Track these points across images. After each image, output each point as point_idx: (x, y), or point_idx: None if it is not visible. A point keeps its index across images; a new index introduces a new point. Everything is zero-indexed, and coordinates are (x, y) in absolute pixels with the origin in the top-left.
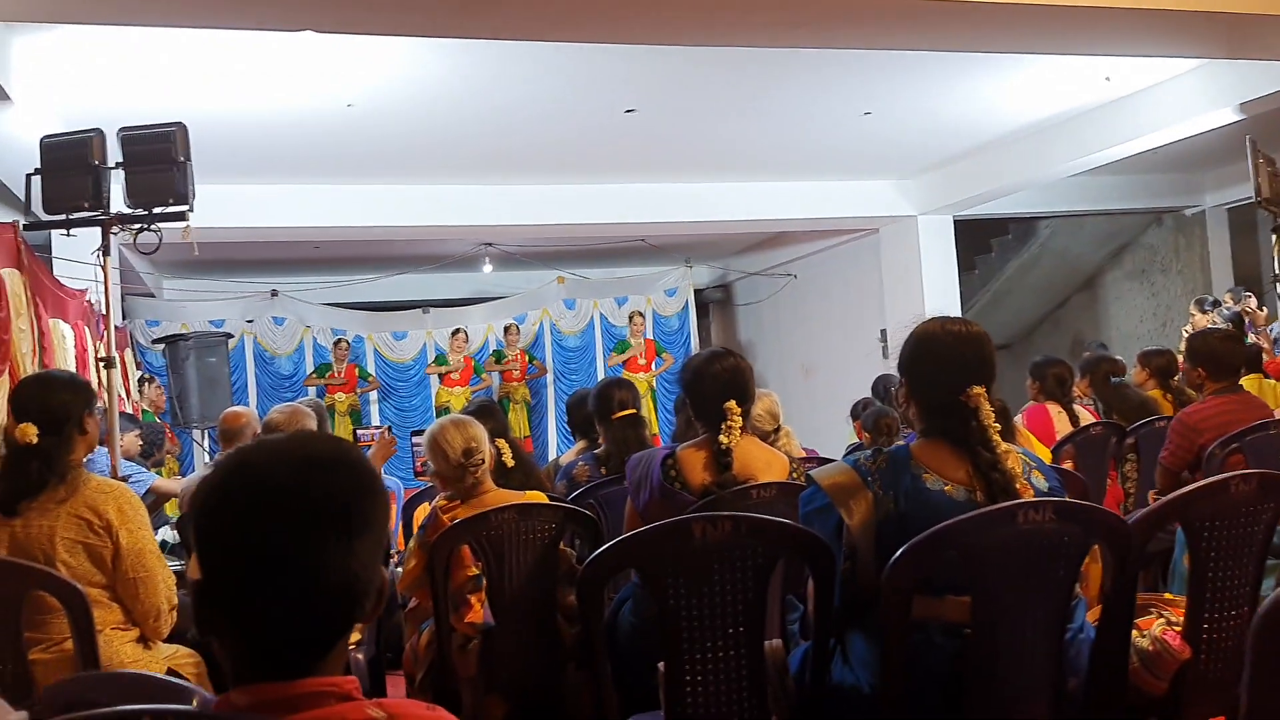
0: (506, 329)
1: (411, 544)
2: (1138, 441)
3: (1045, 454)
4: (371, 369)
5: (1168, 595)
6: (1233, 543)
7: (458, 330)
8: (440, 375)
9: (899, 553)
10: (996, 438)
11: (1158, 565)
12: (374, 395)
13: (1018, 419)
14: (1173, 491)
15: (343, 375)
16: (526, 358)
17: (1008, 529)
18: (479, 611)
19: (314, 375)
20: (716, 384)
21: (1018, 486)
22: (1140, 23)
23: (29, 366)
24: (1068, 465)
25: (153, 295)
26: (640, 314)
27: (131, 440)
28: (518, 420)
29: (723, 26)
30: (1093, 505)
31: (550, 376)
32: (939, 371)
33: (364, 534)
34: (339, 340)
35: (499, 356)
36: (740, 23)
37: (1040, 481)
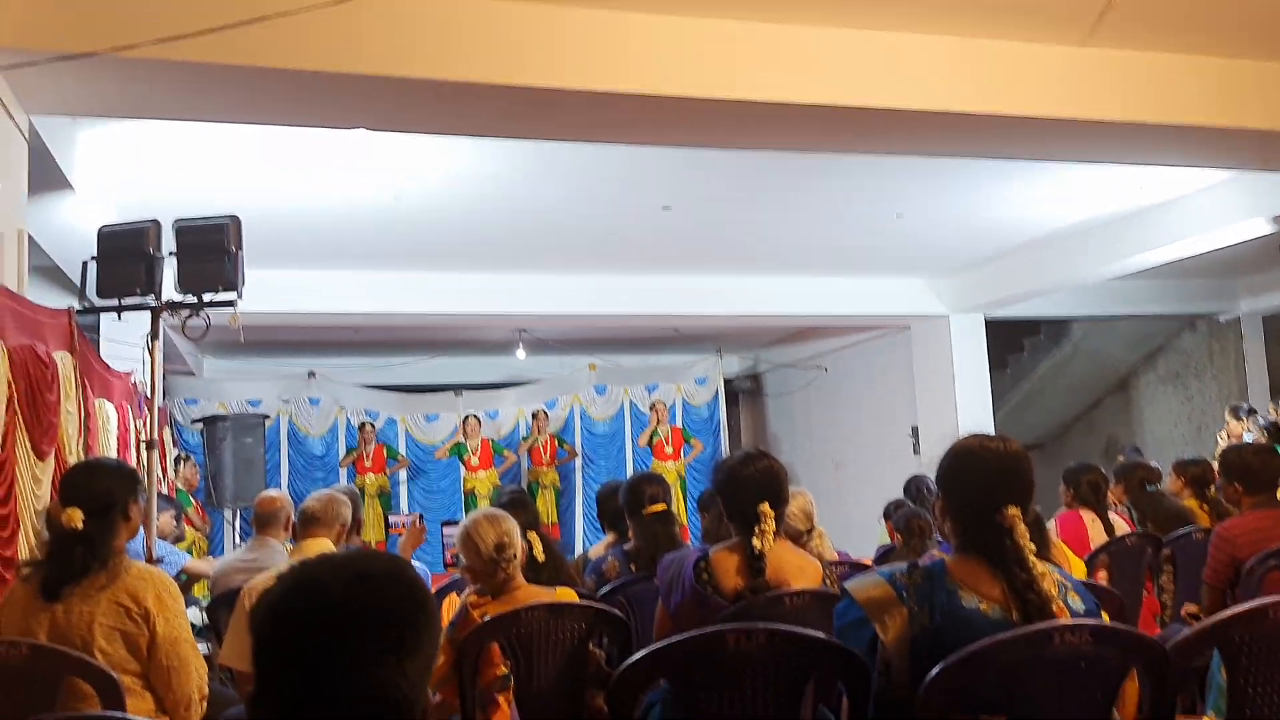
0: (534, 415)
1: (440, 639)
2: (1174, 552)
3: (1079, 566)
4: (402, 450)
5: (1206, 718)
6: (1272, 668)
7: (468, 416)
8: (461, 459)
9: (934, 671)
10: (1032, 558)
11: (1194, 679)
12: (403, 476)
13: (1051, 525)
14: (1219, 609)
15: (370, 457)
16: (556, 443)
17: (1044, 650)
18: (506, 711)
19: (347, 457)
20: (750, 486)
21: (1054, 608)
22: (1173, 136)
23: (73, 448)
24: (1102, 575)
25: (193, 374)
26: (662, 403)
27: (166, 520)
28: (546, 506)
29: (758, 133)
30: (1130, 629)
31: (579, 462)
32: (975, 489)
33: (415, 654)
34: (364, 424)
35: (526, 441)
36: (775, 130)
37: (1077, 603)
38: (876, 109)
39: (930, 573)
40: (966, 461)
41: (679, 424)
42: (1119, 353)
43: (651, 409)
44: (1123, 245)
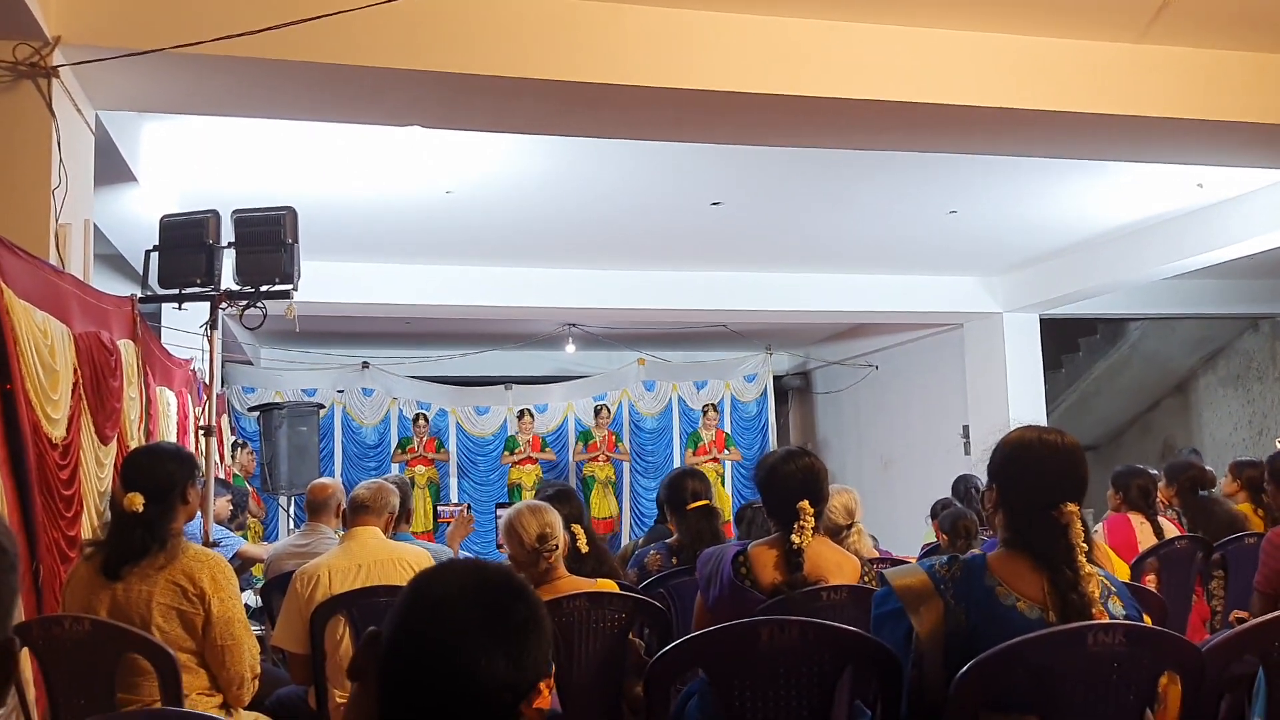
0: (597, 410)
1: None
2: (1225, 557)
3: (1123, 569)
4: (453, 443)
5: None
6: None
7: (523, 413)
8: (512, 452)
9: (966, 668)
10: (1082, 559)
11: (1243, 688)
12: (453, 468)
13: (1097, 530)
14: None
15: (423, 448)
16: (614, 438)
17: (1078, 650)
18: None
19: (398, 450)
20: (791, 483)
21: (1094, 611)
22: (1229, 134)
23: (135, 433)
24: (1150, 579)
25: (250, 363)
26: (714, 407)
27: (223, 505)
28: (604, 502)
29: (811, 130)
30: (1164, 631)
31: (627, 465)
32: (1032, 483)
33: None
34: (418, 416)
35: (585, 437)
36: (828, 126)
37: (1117, 608)
38: (931, 104)
39: (970, 566)
40: (1023, 454)
41: (726, 428)
42: (1178, 354)
43: (704, 414)
44: (1182, 244)
